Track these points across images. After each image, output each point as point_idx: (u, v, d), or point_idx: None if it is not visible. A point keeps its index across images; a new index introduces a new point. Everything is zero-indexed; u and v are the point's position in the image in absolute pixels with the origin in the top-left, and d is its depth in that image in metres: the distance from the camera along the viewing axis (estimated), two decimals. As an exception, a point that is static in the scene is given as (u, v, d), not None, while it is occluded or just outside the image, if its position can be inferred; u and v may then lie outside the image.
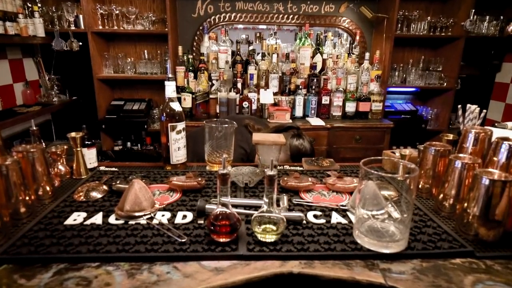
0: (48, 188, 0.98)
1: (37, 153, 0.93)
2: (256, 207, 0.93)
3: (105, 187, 1.05)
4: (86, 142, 1.22)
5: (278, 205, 0.91)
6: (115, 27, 2.71)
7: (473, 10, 2.65)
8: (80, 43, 2.62)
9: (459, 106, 1.25)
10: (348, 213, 0.93)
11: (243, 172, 1.14)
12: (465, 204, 0.82)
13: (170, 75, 1.21)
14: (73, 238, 0.77)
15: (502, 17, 2.82)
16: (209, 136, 1.22)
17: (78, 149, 1.14)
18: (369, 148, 2.76)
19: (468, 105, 1.16)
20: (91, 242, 0.76)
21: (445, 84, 2.93)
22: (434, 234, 0.82)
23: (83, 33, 2.60)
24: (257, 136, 1.27)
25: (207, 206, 0.87)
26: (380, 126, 2.72)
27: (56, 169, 1.14)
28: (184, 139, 1.25)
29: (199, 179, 1.07)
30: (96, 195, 1.00)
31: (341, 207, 0.95)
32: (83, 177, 1.16)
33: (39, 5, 2.55)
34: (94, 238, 0.77)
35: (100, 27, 2.69)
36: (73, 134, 1.12)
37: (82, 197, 0.98)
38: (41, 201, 0.96)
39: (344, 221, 0.88)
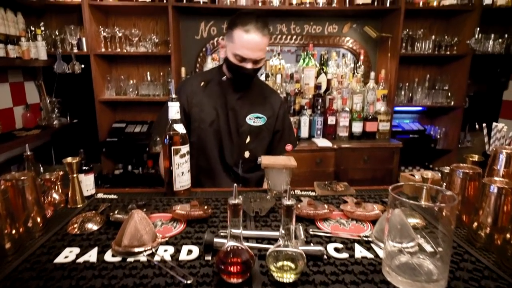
0: (38, 220, 0.89)
1: (28, 181, 0.85)
2: (270, 240, 0.84)
3: (102, 217, 0.95)
4: (84, 168, 1.14)
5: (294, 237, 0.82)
6: (118, 49, 2.70)
7: (478, 28, 2.63)
8: (83, 66, 2.59)
9: (484, 124, 1.18)
10: (372, 245, 0.83)
11: (253, 199, 1.05)
12: (508, 235, 0.72)
13: (173, 96, 1.15)
14: (63, 280, 0.68)
15: (506, 35, 2.79)
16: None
17: (74, 175, 1.06)
18: (378, 168, 2.67)
19: (494, 124, 1.09)
20: (82, 285, 0.66)
21: (452, 102, 2.87)
22: (474, 271, 0.72)
23: (86, 55, 2.58)
24: (266, 160, 1.18)
25: (216, 240, 0.78)
26: (389, 146, 2.64)
27: (50, 197, 1.05)
28: (188, 164, 1.17)
29: (205, 207, 0.98)
30: (91, 227, 0.90)
31: (364, 238, 0.86)
32: (78, 206, 1.07)
33: (42, 28, 2.55)
34: (87, 280, 0.68)
35: (103, 50, 2.68)
36: (69, 159, 1.04)
37: (76, 230, 0.89)
38: (31, 234, 0.87)
39: (369, 255, 0.78)
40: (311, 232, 0.89)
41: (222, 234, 0.87)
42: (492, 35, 2.76)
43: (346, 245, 0.83)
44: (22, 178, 0.85)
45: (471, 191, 0.91)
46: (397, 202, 0.68)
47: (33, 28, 2.46)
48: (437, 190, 0.75)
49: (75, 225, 0.90)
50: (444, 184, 1.07)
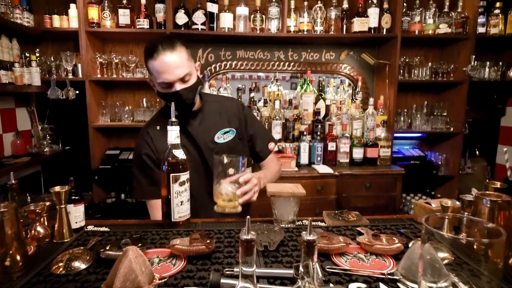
0: (18, 258, 0.78)
1: (8, 213, 0.75)
2: (283, 279, 0.74)
3: (91, 254, 0.85)
4: (73, 197, 1.04)
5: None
6: (114, 76, 2.66)
7: (473, 56, 2.67)
8: (77, 92, 2.53)
9: (505, 149, 1.12)
10: (399, 284, 0.74)
11: (260, 231, 0.96)
12: (554, 272, 0.64)
13: (173, 119, 1.08)
14: (42, 333, 0.57)
15: (501, 63, 2.84)
16: (217, 172, 1.10)
17: (62, 206, 0.96)
18: (381, 196, 2.58)
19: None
20: None
21: (452, 128, 2.86)
22: (522, 315, 0.63)
23: (81, 81, 2.53)
24: (272, 188, 1.10)
25: (223, 280, 0.68)
26: (391, 172, 2.58)
27: (33, 231, 0.95)
28: (187, 192, 1.09)
29: (207, 241, 0.88)
30: (79, 265, 0.79)
31: (388, 276, 0.76)
32: (65, 240, 0.96)
33: (38, 54, 2.51)
34: (71, 333, 0.57)
35: (99, 76, 2.63)
36: (57, 188, 0.94)
37: (61, 269, 0.78)
38: (8, 276, 0.76)
39: (398, 296, 0.69)
40: (327, 269, 0.79)
41: (228, 272, 0.77)
42: (488, 63, 2.80)
43: (370, 285, 0.73)
44: (2, 210, 0.75)
45: (501, 221, 0.83)
46: (431, 236, 0.60)
47: (28, 54, 2.42)
48: (474, 221, 0.67)
49: (60, 264, 0.79)
50: (466, 213, 0.99)
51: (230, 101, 1.54)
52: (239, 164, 1.15)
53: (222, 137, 1.40)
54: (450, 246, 0.65)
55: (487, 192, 0.89)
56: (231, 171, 1.14)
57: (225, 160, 1.13)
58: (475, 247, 0.64)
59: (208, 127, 1.40)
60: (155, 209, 1.27)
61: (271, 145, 1.54)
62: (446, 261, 0.69)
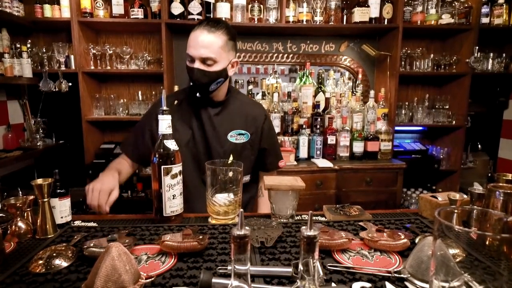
0: (-6, 256, 0.72)
1: (-19, 207, 0.69)
2: (280, 278, 0.68)
3: (75, 251, 0.79)
4: (58, 191, 0.98)
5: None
6: (108, 67, 2.58)
7: (477, 47, 2.60)
8: (70, 84, 2.46)
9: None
10: (407, 283, 0.68)
11: (256, 227, 0.90)
12: None
13: (164, 108, 1.01)
14: None
15: (504, 55, 2.77)
16: (212, 181, 1.00)
17: (45, 200, 0.89)
18: (382, 191, 2.53)
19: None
20: None
21: (453, 122, 2.80)
22: (543, 318, 0.57)
23: (74, 73, 2.46)
24: (269, 180, 1.04)
25: (214, 280, 0.62)
26: (392, 167, 2.52)
27: (14, 227, 0.88)
28: (180, 185, 1.02)
29: (200, 236, 0.82)
30: (60, 263, 0.73)
31: (395, 274, 0.70)
32: (49, 236, 0.90)
33: (29, 45, 2.43)
34: None
35: (92, 67, 2.56)
36: (39, 181, 0.88)
37: (40, 268, 0.72)
38: (-17, 275, 0.70)
39: (406, 297, 0.63)
40: (329, 267, 0.74)
41: (221, 271, 0.71)
42: (491, 54, 2.73)
43: (375, 284, 0.67)
44: (-26, 203, 0.69)
45: (515, 215, 0.78)
46: (442, 232, 0.54)
47: (18, 45, 2.34)
48: (490, 215, 0.61)
49: (40, 262, 0.73)
50: (475, 207, 0.94)
51: (256, 107, 1.49)
52: (238, 175, 1.04)
53: (235, 137, 1.36)
54: (465, 243, 0.59)
55: (500, 184, 0.83)
56: (230, 177, 1.04)
57: (230, 174, 1.03)
58: (487, 243, 0.59)
59: (225, 121, 1.36)
60: (117, 161, 1.44)
61: (282, 163, 1.50)
62: (458, 259, 0.64)
